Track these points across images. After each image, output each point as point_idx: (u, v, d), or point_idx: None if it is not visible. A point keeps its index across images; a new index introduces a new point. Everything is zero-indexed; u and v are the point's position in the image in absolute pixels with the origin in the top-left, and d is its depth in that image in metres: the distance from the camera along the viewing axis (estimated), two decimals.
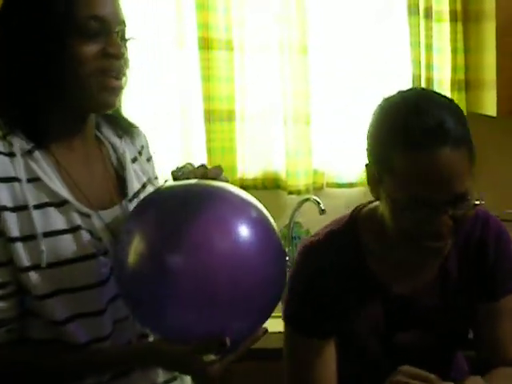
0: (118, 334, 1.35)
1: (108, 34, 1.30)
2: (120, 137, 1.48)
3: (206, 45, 2.78)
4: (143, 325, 1.32)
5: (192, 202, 1.23)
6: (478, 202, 1.36)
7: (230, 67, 2.83)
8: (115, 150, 1.46)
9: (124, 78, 1.34)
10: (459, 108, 1.40)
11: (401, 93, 1.44)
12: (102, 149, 1.45)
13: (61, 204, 1.31)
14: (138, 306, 1.26)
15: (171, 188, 1.30)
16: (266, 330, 1.33)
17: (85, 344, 1.32)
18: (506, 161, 2.97)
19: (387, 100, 1.43)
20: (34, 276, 1.27)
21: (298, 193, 2.90)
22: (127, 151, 1.47)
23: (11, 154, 1.29)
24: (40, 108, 1.33)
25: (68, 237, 1.30)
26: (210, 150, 2.85)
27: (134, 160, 1.48)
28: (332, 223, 1.58)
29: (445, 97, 1.42)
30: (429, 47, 2.84)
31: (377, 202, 1.51)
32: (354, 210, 1.57)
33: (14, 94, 1.31)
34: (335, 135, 2.95)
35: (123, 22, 1.34)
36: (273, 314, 1.35)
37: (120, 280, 1.27)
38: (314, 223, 2.90)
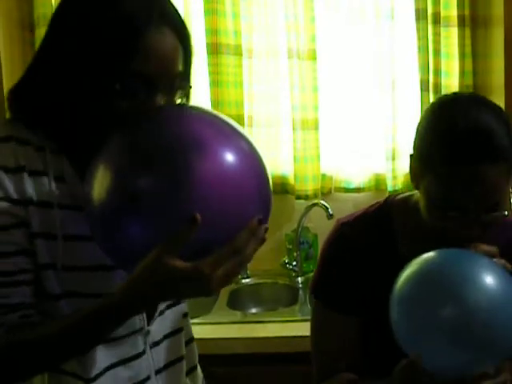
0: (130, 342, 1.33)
1: (150, 91, 1.18)
2: None
3: (214, 50, 2.80)
4: (110, 257, 1.19)
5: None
6: (506, 213, 1.40)
7: (239, 72, 2.84)
8: None
9: None
10: (508, 118, 1.41)
11: (455, 95, 1.48)
12: None
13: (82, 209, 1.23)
14: (107, 240, 1.16)
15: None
16: (260, 221, 1.15)
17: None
18: None
19: (440, 100, 1.47)
20: (49, 274, 1.24)
21: (306, 197, 2.91)
22: None
23: (40, 149, 1.23)
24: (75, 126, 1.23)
25: (88, 244, 1.23)
26: None
27: None
28: (366, 207, 1.63)
29: (495, 105, 1.43)
30: (437, 52, 2.84)
31: (409, 193, 1.58)
32: (388, 197, 1.62)
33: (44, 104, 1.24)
34: (343, 140, 2.96)
35: (176, 77, 1.21)
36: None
37: (90, 216, 1.17)
38: (322, 228, 2.91)
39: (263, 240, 1.14)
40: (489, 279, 1.27)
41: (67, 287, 1.25)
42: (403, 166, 2.91)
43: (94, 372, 1.27)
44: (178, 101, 1.26)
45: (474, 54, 2.88)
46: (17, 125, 1.25)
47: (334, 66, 2.93)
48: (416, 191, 1.52)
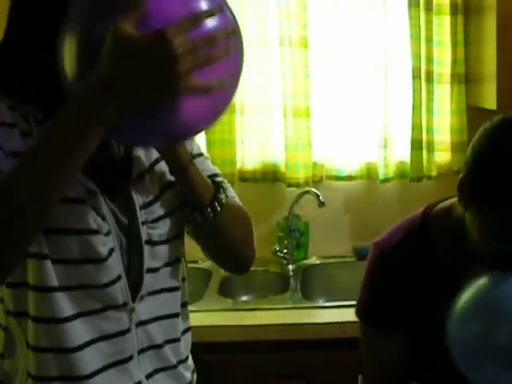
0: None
1: None
2: None
3: None
4: None
5: None
6: None
7: None
8: None
9: None
10: None
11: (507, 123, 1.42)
12: None
13: None
14: None
15: None
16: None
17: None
18: None
19: (499, 128, 1.41)
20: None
21: (298, 185, 2.90)
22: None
23: (14, 125, 1.21)
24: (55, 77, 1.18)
25: (72, 207, 1.24)
26: (209, 142, 2.85)
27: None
28: (404, 222, 1.63)
29: None
30: (429, 40, 2.84)
31: (450, 200, 1.57)
32: (426, 208, 1.61)
33: (28, 63, 1.23)
34: (335, 128, 2.95)
35: None
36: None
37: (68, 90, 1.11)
38: (313, 215, 2.91)
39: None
40: None
41: (50, 252, 1.24)
42: (395, 155, 2.90)
43: (74, 344, 1.27)
44: None
45: (467, 41, 2.88)
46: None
47: (326, 54, 2.92)
48: (452, 199, 1.53)
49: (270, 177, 2.93)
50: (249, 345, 2.30)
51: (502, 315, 1.28)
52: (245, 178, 2.89)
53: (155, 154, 1.39)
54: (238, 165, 2.89)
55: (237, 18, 1.15)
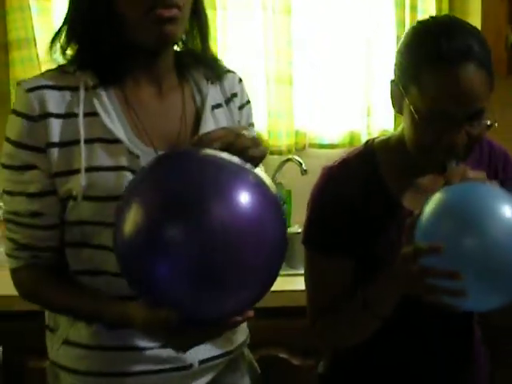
0: None
1: None
2: (209, 79, 1.50)
3: None
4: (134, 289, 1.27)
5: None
6: (490, 123, 1.44)
7: (213, 27, 2.80)
8: (200, 91, 1.48)
9: (179, 9, 1.32)
10: (485, 39, 1.47)
11: (433, 17, 1.53)
12: (185, 88, 1.47)
13: (113, 141, 1.34)
14: (131, 277, 1.24)
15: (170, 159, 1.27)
16: (251, 316, 1.27)
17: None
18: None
19: (420, 22, 1.51)
20: (72, 205, 1.36)
21: (280, 153, 2.90)
22: (211, 95, 1.48)
23: (75, 89, 1.36)
24: (106, 45, 1.36)
25: (110, 175, 1.34)
26: None
27: (218, 106, 1.49)
28: (346, 154, 1.63)
29: (474, 27, 1.49)
30: (413, 8, 2.83)
31: (387, 135, 1.64)
32: (366, 142, 1.64)
33: (80, 32, 1.37)
34: (318, 96, 2.94)
35: None
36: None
37: (116, 248, 1.24)
38: (295, 184, 2.91)
39: None
40: (507, 211, 1.28)
41: (85, 217, 1.36)
42: (378, 123, 2.90)
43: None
44: None
45: (451, 9, 2.86)
46: (60, 69, 1.40)
47: (309, 22, 2.90)
48: (393, 133, 1.59)
49: None
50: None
51: (465, 223, 1.28)
52: None
53: (234, 122, 1.51)
54: None
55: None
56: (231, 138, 1.27)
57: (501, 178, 1.58)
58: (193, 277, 1.14)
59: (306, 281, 1.64)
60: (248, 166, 1.25)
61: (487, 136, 1.55)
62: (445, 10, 2.84)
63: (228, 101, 1.52)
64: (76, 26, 1.37)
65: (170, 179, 1.18)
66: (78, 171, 1.33)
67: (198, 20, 1.44)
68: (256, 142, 1.31)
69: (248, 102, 1.59)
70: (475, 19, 2.67)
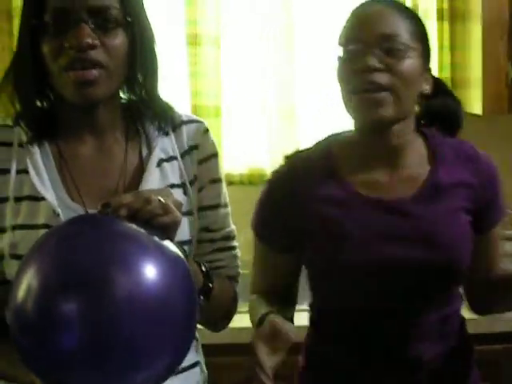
0: None
1: (74, 26, 1.25)
2: (161, 130, 1.40)
3: (193, 41, 2.79)
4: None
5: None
6: (405, 45, 1.44)
7: (217, 63, 2.83)
8: (148, 144, 1.40)
9: (102, 68, 1.27)
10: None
11: None
12: (132, 142, 1.40)
13: (40, 199, 1.31)
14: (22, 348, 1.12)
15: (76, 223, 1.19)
16: None
17: None
18: (492, 158, 2.99)
19: None
20: (4, 263, 1.32)
21: None
22: (161, 147, 1.39)
23: (10, 144, 1.34)
24: (42, 100, 1.35)
25: (31, 233, 1.29)
26: None
27: (170, 159, 1.40)
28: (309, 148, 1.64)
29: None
30: None
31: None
32: (328, 136, 1.65)
33: (16, 87, 1.34)
34: (320, 131, 2.94)
35: (100, 9, 1.27)
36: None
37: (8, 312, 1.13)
38: None
39: None
40: None
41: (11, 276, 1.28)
42: None
43: None
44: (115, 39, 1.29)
45: (452, 46, 2.89)
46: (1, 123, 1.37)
47: (312, 58, 2.93)
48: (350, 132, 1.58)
49: (256, 180, 2.93)
50: (237, 347, 2.29)
51: None
52: (231, 181, 2.89)
53: (190, 176, 1.42)
54: (225, 168, 2.89)
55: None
56: (139, 205, 1.15)
57: (488, 196, 1.57)
58: (91, 354, 1.05)
59: (252, 267, 1.67)
60: (154, 237, 1.15)
61: (478, 149, 1.57)
62: (446, 47, 2.87)
63: (185, 153, 1.42)
64: (9, 79, 1.34)
65: (70, 248, 1.10)
66: (5, 229, 1.31)
67: (142, 67, 1.35)
68: (166, 209, 1.17)
69: (213, 155, 1.46)
70: (476, 56, 2.69)
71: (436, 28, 2.85)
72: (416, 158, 1.54)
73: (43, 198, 1.30)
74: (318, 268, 1.55)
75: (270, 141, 2.91)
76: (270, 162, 2.92)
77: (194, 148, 1.43)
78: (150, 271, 1.08)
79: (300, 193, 1.52)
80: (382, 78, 1.42)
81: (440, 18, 2.86)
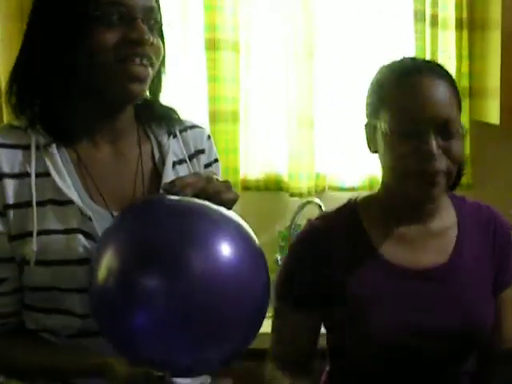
0: None
1: (131, 21, 1.25)
2: (171, 133, 1.43)
3: (212, 45, 2.80)
4: (112, 347, 1.20)
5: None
6: (461, 130, 1.45)
7: (236, 68, 2.84)
8: (160, 147, 1.42)
9: (152, 67, 1.29)
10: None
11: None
12: (144, 146, 1.41)
13: (64, 203, 1.28)
14: (104, 325, 1.19)
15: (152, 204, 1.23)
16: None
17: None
18: (509, 169, 2.98)
19: (381, 66, 1.57)
20: (26, 269, 1.29)
21: (300, 195, 2.91)
22: (172, 151, 1.41)
23: (27, 147, 1.29)
24: (62, 102, 1.31)
25: (61, 238, 1.27)
26: None
27: (181, 161, 1.42)
28: (334, 210, 1.64)
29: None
30: (434, 54, 2.85)
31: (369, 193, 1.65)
32: (349, 199, 1.64)
33: (34, 86, 1.31)
34: (338, 138, 2.96)
35: (152, 9, 1.28)
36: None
37: (90, 295, 1.20)
38: None
39: None
40: None
41: (42, 282, 1.28)
42: None
43: None
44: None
45: (471, 56, 2.89)
46: (11, 126, 1.32)
47: (331, 64, 2.93)
48: (374, 191, 1.60)
49: (272, 186, 2.95)
50: (250, 351, 2.29)
51: None
52: (248, 186, 2.90)
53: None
54: (241, 174, 2.90)
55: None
56: (203, 184, 1.22)
57: (503, 256, 1.59)
58: (173, 329, 1.10)
59: (271, 332, 1.64)
60: (231, 214, 1.22)
61: (493, 210, 1.60)
62: (464, 56, 2.87)
63: (192, 156, 1.45)
64: (26, 82, 1.31)
65: (147, 228, 1.15)
66: (30, 235, 1.26)
67: (157, 73, 1.37)
68: (228, 186, 1.25)
69: (216, 160, 1.50)
70: (495, 65, 2.69)
71: (455, 37, 2.86)
72: (446, 220, 1.57)
73: (67, 202, 1.28)
74: (344, 332, 1.55)
75: (287, 146, 2.92)
76: (286, 168, 2.93)
77: (200, 152, 1.47)
78: (226, 249, 1.14)
79: (325, 257, 1.55)
80: (442, 165, 1.44)
81: (459, 26, 2.86)
